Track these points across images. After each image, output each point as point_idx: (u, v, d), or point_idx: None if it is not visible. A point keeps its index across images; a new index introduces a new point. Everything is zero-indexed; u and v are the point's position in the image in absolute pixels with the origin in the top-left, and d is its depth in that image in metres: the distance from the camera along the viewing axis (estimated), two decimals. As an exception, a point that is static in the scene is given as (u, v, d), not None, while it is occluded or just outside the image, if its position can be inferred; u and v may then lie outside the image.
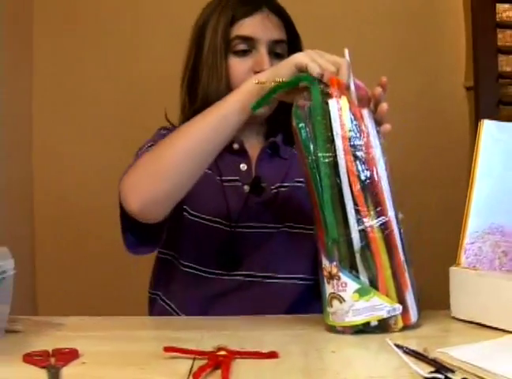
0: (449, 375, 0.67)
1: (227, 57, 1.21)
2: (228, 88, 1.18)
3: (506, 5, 1.75)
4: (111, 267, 1.83)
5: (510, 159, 1.02)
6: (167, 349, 0.78)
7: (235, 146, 1.23)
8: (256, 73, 1.17)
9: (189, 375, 0.72)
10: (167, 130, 1.23)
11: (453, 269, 0.98)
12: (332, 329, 0.93)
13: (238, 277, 1.19)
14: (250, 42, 1.21)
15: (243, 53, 1.21)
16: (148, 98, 1.84)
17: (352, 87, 0.97)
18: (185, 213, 1.21)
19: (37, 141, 1.90)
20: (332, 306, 0.92)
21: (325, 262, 0.92)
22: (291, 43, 1.26)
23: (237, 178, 1.23)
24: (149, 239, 1.16)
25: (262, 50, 1.20)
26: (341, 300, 0.90)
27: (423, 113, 1.83)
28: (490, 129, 1.02)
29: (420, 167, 1.81)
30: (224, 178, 1.23)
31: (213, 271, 1.19)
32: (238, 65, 1.21)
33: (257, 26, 1.21)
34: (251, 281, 1.19)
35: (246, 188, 1.22)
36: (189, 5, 1.67)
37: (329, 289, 0.92)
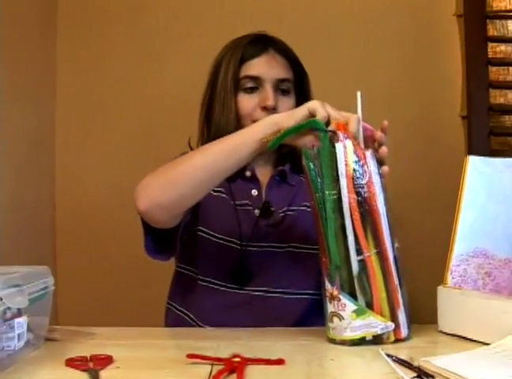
0: (428, 379, 0.76)
1: (236, 94, 1.31)
2: (237, 121, 1.28)
3: (498, 43, 1.79)
4: (131, 280, 1.86)
5: (493, 190, 1.09)
6: (189, 356, 0.86)
7: (248, 173, 1.32)
8: (262, 108, 1.27)
9: (209, 378, 0.79)
10: None
11: (440, 288, 1.05)
12: (332, 341, 1.00)
13: (250, 292, 1.27)
14: (257, 80, 1.30)
15: (251, 90, 1.31)
16: (171, 121, 1.87)
17: (360, 130, 1.03)
18: (201, 233, 1.29)
19: (59, 159, 1.91)
20: (332, 322, 0.99)
21: (327, 284, 0.99)
22: (299, 81, 1.35)
23: (249, 202, 1.31)
24: (165, 248, 1.25)
25: (268, 88, 1.29)
26: (341, 318, 0.97)
27: (422, 139, 1.87)
28: (475, 164, 1.10)
29: (418, 190, 1.84)
30: (237, 202, 1.31)
31: (228, 285, 1.27)
32: (246, 101, 1.31)
33: (263, 66, 1.31)
34: (262, 296, 1.27)
35: (257, 211, 1.30)
36: (214, 30, 1.75)
37: (330, 307, 0.99)
